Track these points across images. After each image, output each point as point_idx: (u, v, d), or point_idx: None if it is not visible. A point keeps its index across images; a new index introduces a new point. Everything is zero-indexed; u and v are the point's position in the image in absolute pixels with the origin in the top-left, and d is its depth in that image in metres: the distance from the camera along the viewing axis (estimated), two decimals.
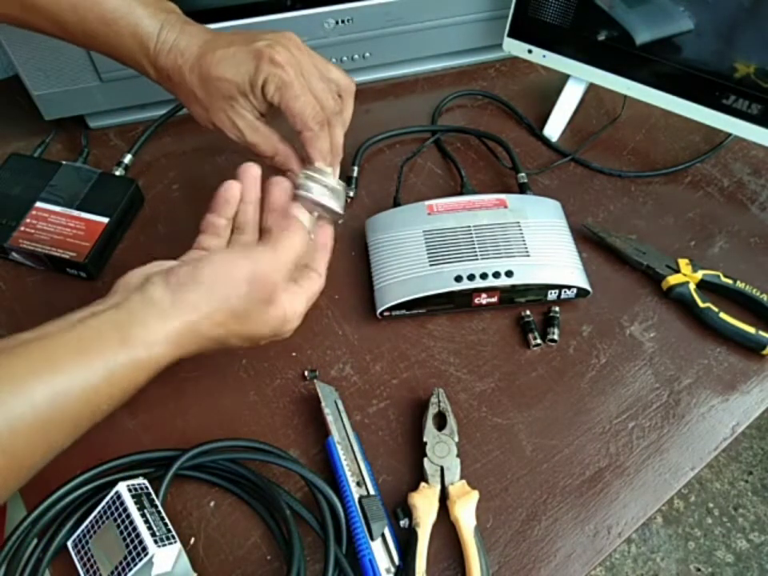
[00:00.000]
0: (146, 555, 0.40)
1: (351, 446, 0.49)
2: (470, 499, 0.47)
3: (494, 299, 0.56)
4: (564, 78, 0.72)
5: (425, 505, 0.46)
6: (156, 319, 0.40)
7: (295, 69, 0.45)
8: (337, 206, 0.49)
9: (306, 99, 0.45)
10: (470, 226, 0.58)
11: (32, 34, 0.56)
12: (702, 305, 0.57)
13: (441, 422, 0.51)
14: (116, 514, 0.42)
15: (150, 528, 0.41)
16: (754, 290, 0.58)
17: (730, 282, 0.58)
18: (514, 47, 0.70)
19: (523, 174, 0.66)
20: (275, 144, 0.49)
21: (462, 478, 0.48)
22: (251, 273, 0.42)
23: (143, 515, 0.42)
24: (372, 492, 0.46)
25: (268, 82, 0.45)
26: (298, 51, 0.46)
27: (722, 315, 0.57)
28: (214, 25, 0.62)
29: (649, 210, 0.66)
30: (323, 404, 0.50)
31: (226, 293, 0.42)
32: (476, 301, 0.56)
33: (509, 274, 0.55)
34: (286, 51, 0.45)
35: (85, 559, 0.43)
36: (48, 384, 0.37)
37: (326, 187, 0.48)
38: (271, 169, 0.51)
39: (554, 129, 0.72)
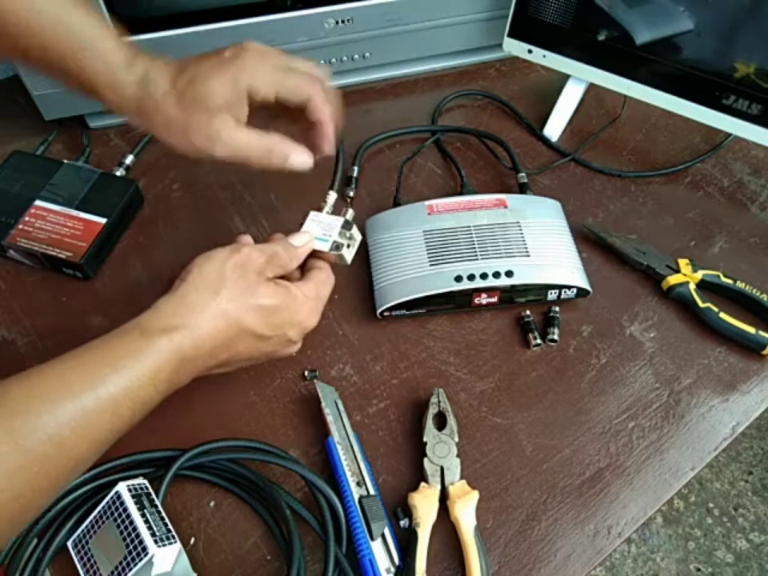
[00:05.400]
0: (146, 555, 0.40)
1: (351, 445, 0.49)
2: (470, 499, 0.47)
3: (494, 299, 0.56)
4: (564, 78, 0.72)
5: (425, 505, 0.46)
6: (167, 314, 0.42)
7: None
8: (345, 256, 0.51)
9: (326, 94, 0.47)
10: (470, 226, 0.58)
11: None
12: (702, 305, 0.57)
13: (441, 422, 0.51)
14: (116, 514, 0.42)
15: (150, 528, 0.41)
16: (754, 290, 0.58)
17: (730, 282, 0.58)
18: (514, 47, 0.70)
19: (523, 174, 0.66)
20: (264, 141, 0.47)
21: (462, 477, 0.48)
22: (232, 256, 0.44)
23: (143, 515, 0.42)
24: (372, 492, 0.46)
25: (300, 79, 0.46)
26: (264, 49, 0.47)
27: (722, 315, 0.57)
28: (215, 25, 0.62)
29: (649, 210, 0.66)
30: (323, 404, 0.50)
31: (221, 278, 0.44)
32: (476, 301, 0.56)
33: (509, 274, 0.55)
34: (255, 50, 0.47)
35: (85, 559, 0.43)
36: (74, 401, 0.37)
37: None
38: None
39: (554, 129, 0.72)
